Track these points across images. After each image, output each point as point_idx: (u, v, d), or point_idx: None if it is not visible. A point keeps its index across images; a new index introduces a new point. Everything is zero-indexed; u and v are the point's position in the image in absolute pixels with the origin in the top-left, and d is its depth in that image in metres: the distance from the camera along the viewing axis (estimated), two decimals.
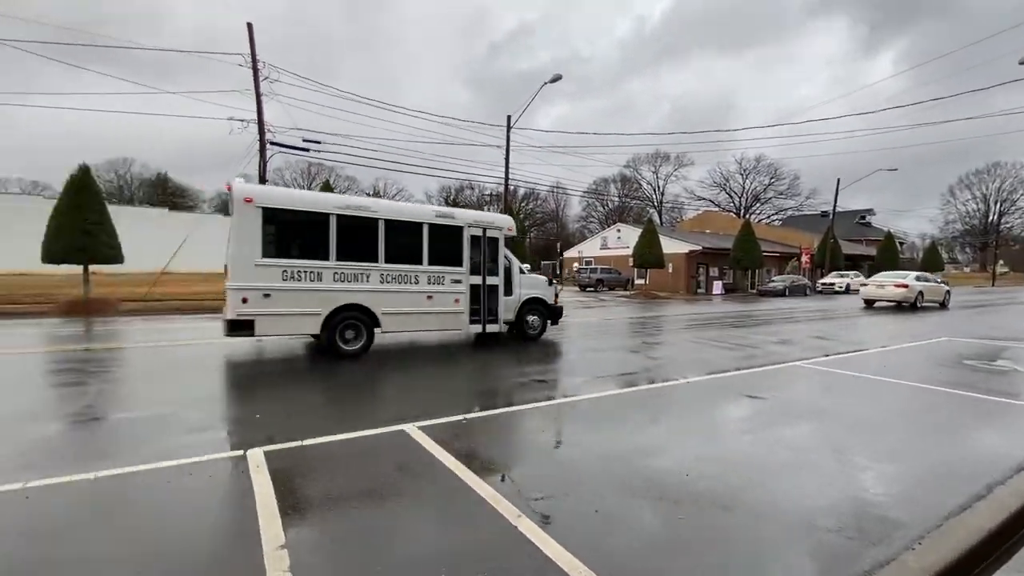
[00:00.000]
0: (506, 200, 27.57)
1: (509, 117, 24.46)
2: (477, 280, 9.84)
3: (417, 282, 9.08)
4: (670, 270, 35.93)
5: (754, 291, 37.38)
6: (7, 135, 71.03)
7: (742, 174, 73.37)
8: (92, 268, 15.65)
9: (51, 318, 13.45)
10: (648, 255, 31.64)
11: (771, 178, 72.07)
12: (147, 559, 2.55)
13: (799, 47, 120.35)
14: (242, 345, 9.52)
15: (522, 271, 10.84)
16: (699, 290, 36.82)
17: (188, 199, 65.71)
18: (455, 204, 60.32)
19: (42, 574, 2.44)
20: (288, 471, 3.66)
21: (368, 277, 8.57)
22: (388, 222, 8.78)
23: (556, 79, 22.50)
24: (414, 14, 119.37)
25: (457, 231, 9.60)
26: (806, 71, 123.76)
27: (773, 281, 35.56)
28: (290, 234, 8.07)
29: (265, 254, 7.78)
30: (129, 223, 17.48)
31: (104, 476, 3.51)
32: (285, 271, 7.90)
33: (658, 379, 7.16)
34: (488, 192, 65.19)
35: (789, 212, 73.50)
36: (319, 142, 20.45)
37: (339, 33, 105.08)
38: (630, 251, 33.92)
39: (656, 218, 68.52)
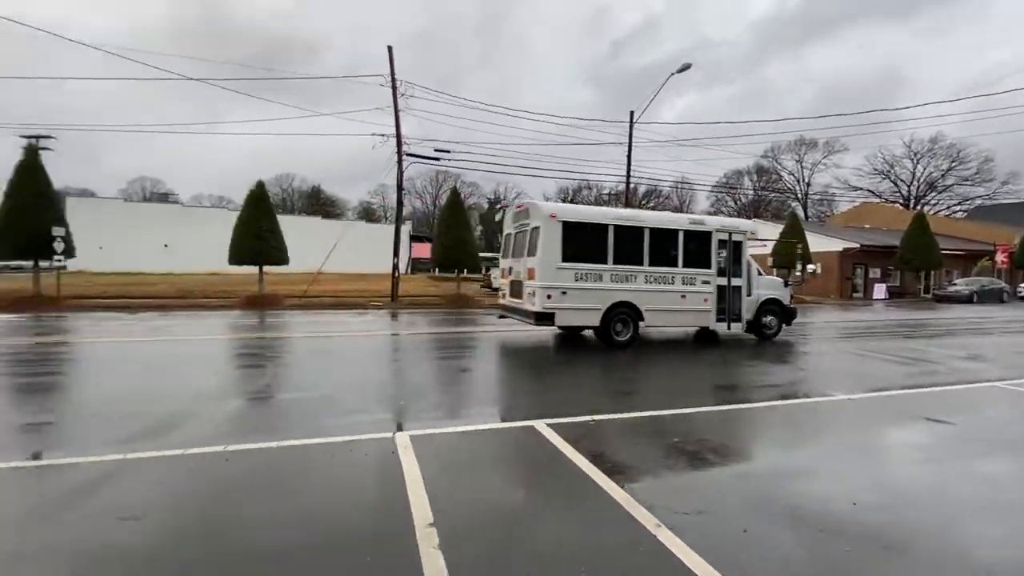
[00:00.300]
0: (627, 198, 26.77)
1: (632, 112, 23.70)
2: (723, 281, 10.43)
3: (673, 283, 9.95)
4: (819, 271, 32.02)
5: (929, 296, 31.88)
6: (201, 157, 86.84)
7: (912, 158, 62.01)
8: (265, 269, 18.37)
9: (233, 310, 16.03)
10: (792, 254, 28.51)
11: (952, 161, 59.58)
12: (316, 523, 2.88)
13: (989, 2, 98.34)
14: (387, 337, 10.45)
15: (760, 272, 11.10)
16: (855, 294, 32.31)
17: (337, 208, 74.13)
18: (573, 203, 60.14)
19: (238, 524, 2.88)
20: (431, 455, 3.90)
21: (636, 278, 9.64)
22: (652, 230, 9.82)
23: (685, 68, 21.31)
24: (537, 18, 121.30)
25: (706, 236, 10.30)
26: (999, 31, 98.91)
27: (955, 284, 29.98)
28: (580, 242, 9.31)
29: (564, 259, 9.16)
30: (290, 230, 20.13)
31: (285, 446, 4.06)
32: (577, 273, 9.24)
33: (815, 393, 6.42)
34: (606, 191, 63.79)
35: (978, 201, 60.40)
36: (448, 151, 21.69)
37: (467, 41, 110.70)
38: (768, 250, 30.83)
39: (800, 212, 61.29)
